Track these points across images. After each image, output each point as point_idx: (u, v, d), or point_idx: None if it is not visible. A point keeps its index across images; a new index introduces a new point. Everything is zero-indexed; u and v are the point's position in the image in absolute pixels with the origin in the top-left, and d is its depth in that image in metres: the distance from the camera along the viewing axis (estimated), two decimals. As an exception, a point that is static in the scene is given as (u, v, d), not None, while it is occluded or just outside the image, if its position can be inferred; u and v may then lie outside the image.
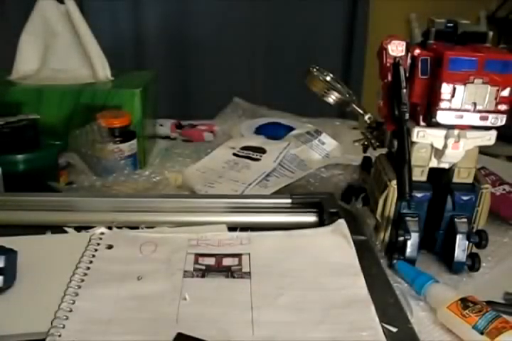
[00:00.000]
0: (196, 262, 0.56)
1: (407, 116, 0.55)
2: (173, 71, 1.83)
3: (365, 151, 0.72)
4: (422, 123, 0.59)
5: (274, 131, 1.00)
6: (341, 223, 0.62)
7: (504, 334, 0.47)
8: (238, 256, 0.57)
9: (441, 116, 0.56)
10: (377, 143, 0.69)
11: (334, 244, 0.59)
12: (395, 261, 0.60)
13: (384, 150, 0.68)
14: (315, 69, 0.69)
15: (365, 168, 0.75)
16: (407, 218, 0.61)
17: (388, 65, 0.57)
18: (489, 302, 0.54)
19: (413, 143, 0.59)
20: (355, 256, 0.57)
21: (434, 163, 0.61)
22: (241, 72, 1.90)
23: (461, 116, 0.56)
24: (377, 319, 0.49)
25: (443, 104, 0.55)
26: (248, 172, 0.83)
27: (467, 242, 0.60)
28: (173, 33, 1.81)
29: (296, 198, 0.69)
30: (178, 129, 1.12)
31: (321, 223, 0.65)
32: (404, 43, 0.57)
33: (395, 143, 0.56)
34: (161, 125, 1.10)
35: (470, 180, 0.62)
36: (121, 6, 1.75)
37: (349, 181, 0.81)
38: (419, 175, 0.61)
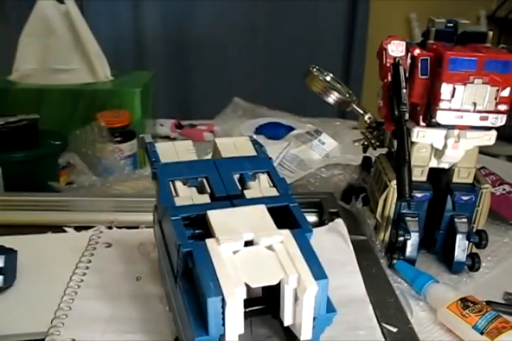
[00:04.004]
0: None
1: (407, 116, 0.55)
2: (173, 71, 1.83)
3: (365, 151, 0.72)
4: (422, 123, 0.59)
5: (274, 131, 1.00)
6: (338, 222, 0.62)
7: (504, 334, 0.47)
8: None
9: (441, 117, 0.56)
10: (377, 143, 0.69)
11: (331, 243, 0.59)
12: (395, 261, 0.60)
13: (384, 150, 0.68)
14: (315, 69, 0.69)
15: (365, 167, 0.75)
16: (407, 218, 0.61)
17: (388, 65, 0.57)
18: (489, 302, 0.54)
19: (413, 143, 0.59)
20: (352, 255, 0.57)
21: (434, 163, 0.61)
22: (241, 72, 1.90)
23: (461, 117, 0.56)
24: (374, 318, 0.49)
25: (443, 104, 0.55)
26: (248, 172, 0.83)
27: (467, 242, 0.60)
28: (173, 32, 1.81)
29: (296, 198, 0.68)
30: (178, 129, 1.12)
31: (321, 223, 0.65)
32: (404, 43, 0.57)
33: (395, 143, 0.56)
34: (161, 125, 1.10)
35: (470, 180, 0.62)
36: (121, 6, 1.74)
37: (349, 181, 0.81)
38: (419, 175, 0.61)
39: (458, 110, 0.56)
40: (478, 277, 0.62)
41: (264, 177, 0.46)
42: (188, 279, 0.40)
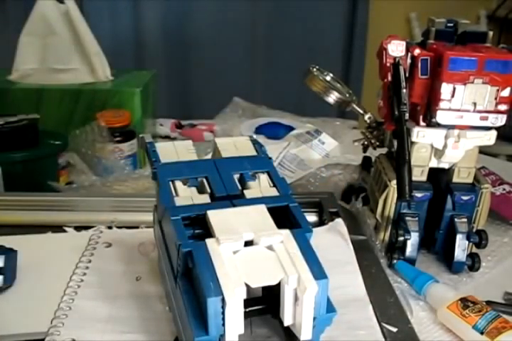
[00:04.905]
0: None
1: (407, 116, 0.55)
2: (173, 71, 1.83)
3: (365, 151, 0.72)
4: (422, 123, 0.59)
5: (274, 131, 1.00)
6: (338, 222, 0.62)
7: (504, 334, 0.47)
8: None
9: (441, 116, 0.56)
10: (377, 143, 0.69)
11: (331, 243, 0.59)
12: (395, 261, 0.60)
13: (384, 150, 0.68)
14: (315, 69, 0.69)
15: (365, 167, 0.75)
16: (407, 218, 0.61)
17: (388, 64, 0.57)
18: (489, 302, 0.54)
19: (413, 143, 0.59)
20: (352, 255, 0.57)
21: (434, 163, 0.61)
22: (241, 72, 1.90)
23: (461, 116, 0.56)
24: (374, 318, 0.49)
25: (443, 104, 0.55)
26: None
27: (467, 242, 0.60)
28: (173, 32, 1.81)
29: (296, 198, 0.69)
30: (178, 129, 1.12)
31: (321, 223, 0.65)
32: (404, 43, 0.57)
33: (395, 143, 0.56)
34: (161, 125, 1.10)
35: (470, 180, 0.62)
36: (121, 6, 1.74)
37: (349, 181, 0.81)
38: (419, 175, 0.61)
39: (458, 110, 0.56)
40: (478, 277, 0.62)
41: (264, 177, 0.46)
42: (188, 279, 0.40)
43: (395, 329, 0.48)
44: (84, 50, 0.94)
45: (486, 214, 0.63)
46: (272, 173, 0.46)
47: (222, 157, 0.48)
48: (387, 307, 0.51)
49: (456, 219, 0.61)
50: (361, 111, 0.69)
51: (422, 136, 0.59)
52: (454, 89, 0.55)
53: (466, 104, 0.55)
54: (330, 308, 0.40)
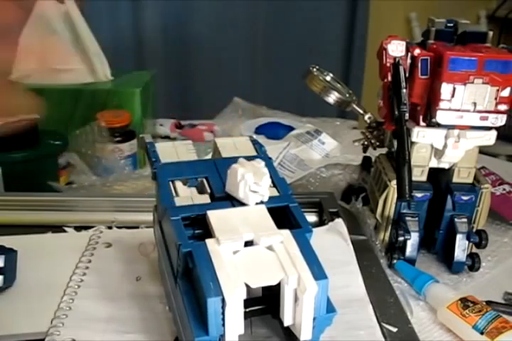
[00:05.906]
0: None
1: (407, 116, 0.55)
2: (173, 71, 1.83)
3: (365, 151, 0.72)
4: (422, 123, 0.59)
5: (274, 131, 1.00)
6: (338, 222, 0.62)
7: (504, 334, 0.47)
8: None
9: (441, 117, 0.56)
10: (377, 143, 0.69)
11: (331, 243, 0.59)
12: (395, 261, 0.60)
13: (384, 150, 0.68)
14: (315, 69, 0.69)
15: (365, 167, 0.75)
16: (407, 218, 0.61)
17: (388, 65, 0.57)
18: (489, 302, 0.54)
19: (413, 143, 0.59)
20: (352, 255, 0.57)
21: (434, 163, 0.61)
22: (241, 72, 1.90)
23: (461, 116, 0.56)
24: (374, 318, 0.49)
25: (443, 104, 0.55)
26: (248, 172, 0.82)
27: (467, 242, 0.60)
28: (173, 32, 1.81)
29: (296, 198, 0.69)
30: (178, 129, 1.12)
31: (321, 223, 0.65)
32: (404, 43, 0.57)
33: (395, 143, 0.56)
34: (161, 125, 1.10)
35: (470, 180, 0.62)
36: (121, 6, 1.74)
37: (349, 181, 0.81)
38: (419, 175, 0.61)
39: (458, 110, 0.56)
40: (478, 277, 0.62)
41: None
42: (188, 279, 0.40)
43: (395, 329, 0.48)
44: (84, 50, 0.94)
45: (486, 214, 0.63)
46: (272, 173, 0.46)
47: (222, 157, 0.48)
48: (387, 307, 0.51)
49: (456, 219, 0.61)
50: (361, 111, 0.69)
51: (422, 136, 0.59)
52: (454, 89, 0.55)
53: (466, 104, 0.55)
54: (330, 308, 0.40)
